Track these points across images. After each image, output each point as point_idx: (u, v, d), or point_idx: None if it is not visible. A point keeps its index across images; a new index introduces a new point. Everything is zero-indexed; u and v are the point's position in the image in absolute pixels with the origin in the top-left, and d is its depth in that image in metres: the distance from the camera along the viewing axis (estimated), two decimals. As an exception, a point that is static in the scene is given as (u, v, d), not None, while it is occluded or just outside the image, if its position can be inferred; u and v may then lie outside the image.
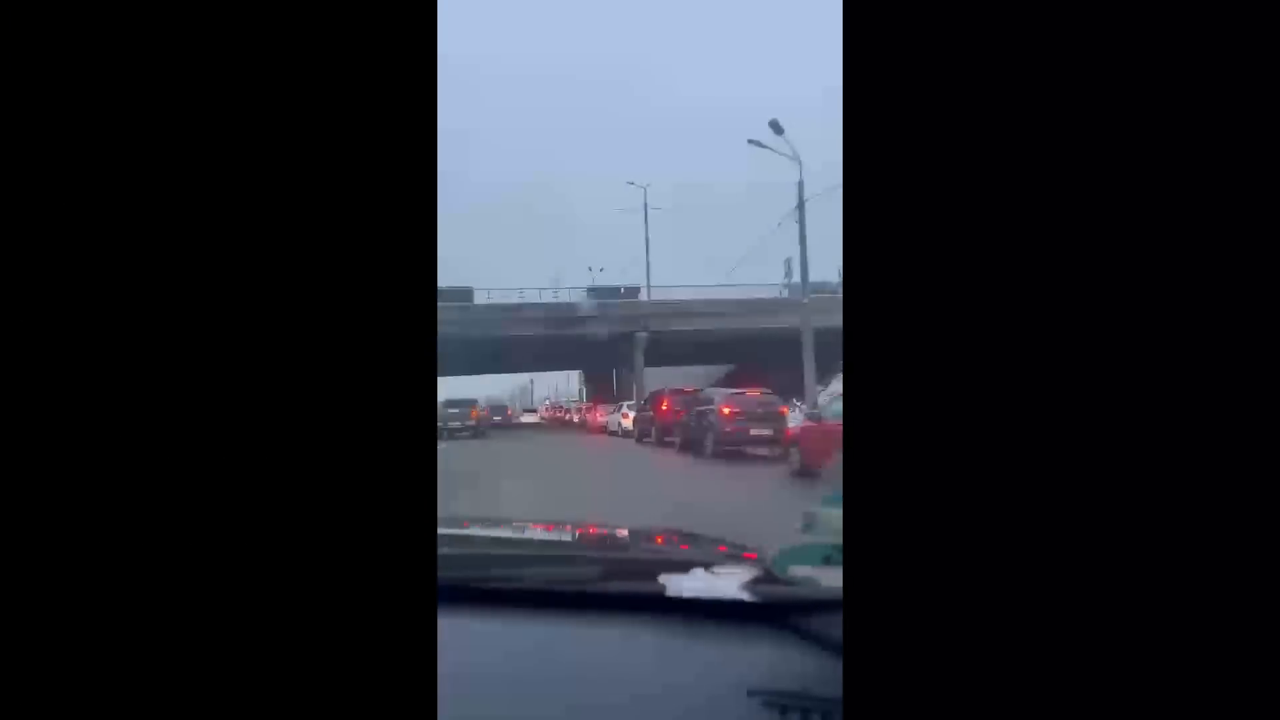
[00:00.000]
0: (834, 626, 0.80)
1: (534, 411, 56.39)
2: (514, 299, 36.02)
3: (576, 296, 35.96)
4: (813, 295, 21.63)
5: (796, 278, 22.51)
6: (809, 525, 1.02)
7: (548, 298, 36.63)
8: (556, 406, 55.25)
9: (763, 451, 14.32)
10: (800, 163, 20.29)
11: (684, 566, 1.04)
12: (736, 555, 1.28)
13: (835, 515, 0.94)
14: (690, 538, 1.56)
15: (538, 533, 1.81)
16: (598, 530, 1.78)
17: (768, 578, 0.97)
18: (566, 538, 1.74)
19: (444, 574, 0.80)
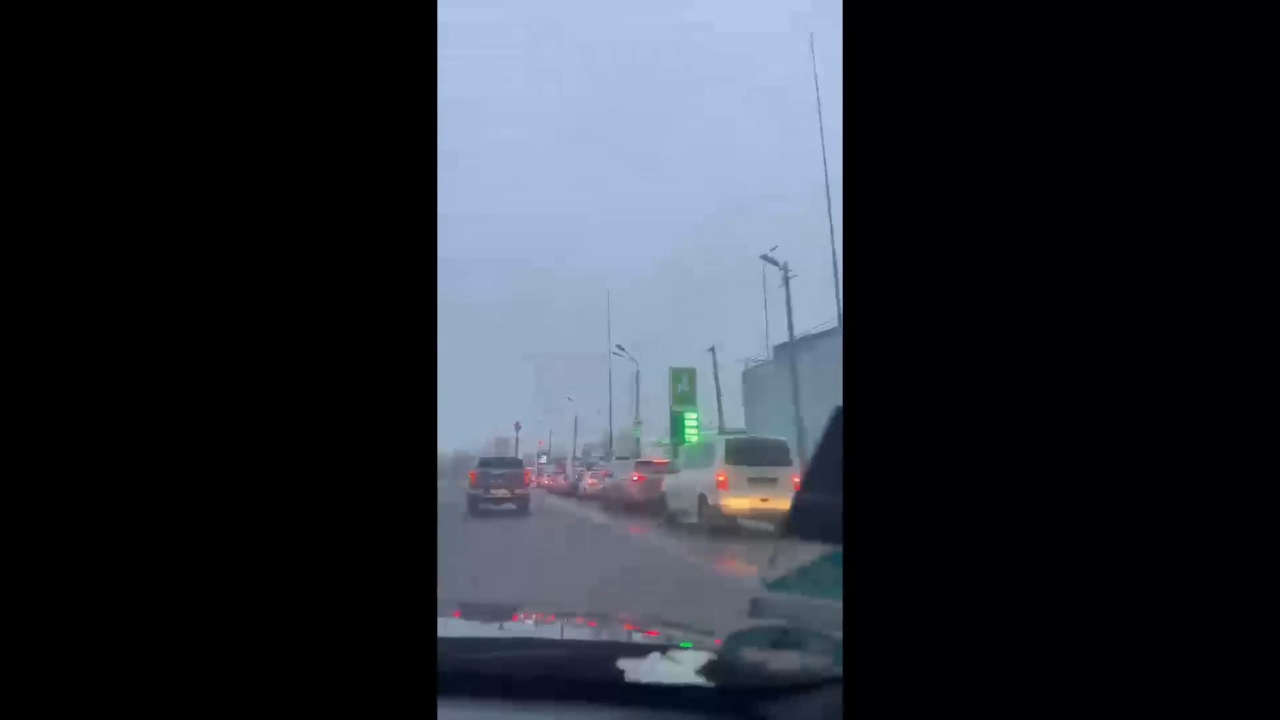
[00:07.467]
0: (784, 709, 0.84)
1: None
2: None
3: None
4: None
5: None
6: (757, 610, 1.04)
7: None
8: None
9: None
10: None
11: (642, 652, 1.06)
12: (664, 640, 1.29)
13: (780, 600, 1.00)
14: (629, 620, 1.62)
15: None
16: (556, 616, 1.76)
17: (720, 662, 0.98)
18: (527, 623, 1.71)
19: None
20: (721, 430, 25.15)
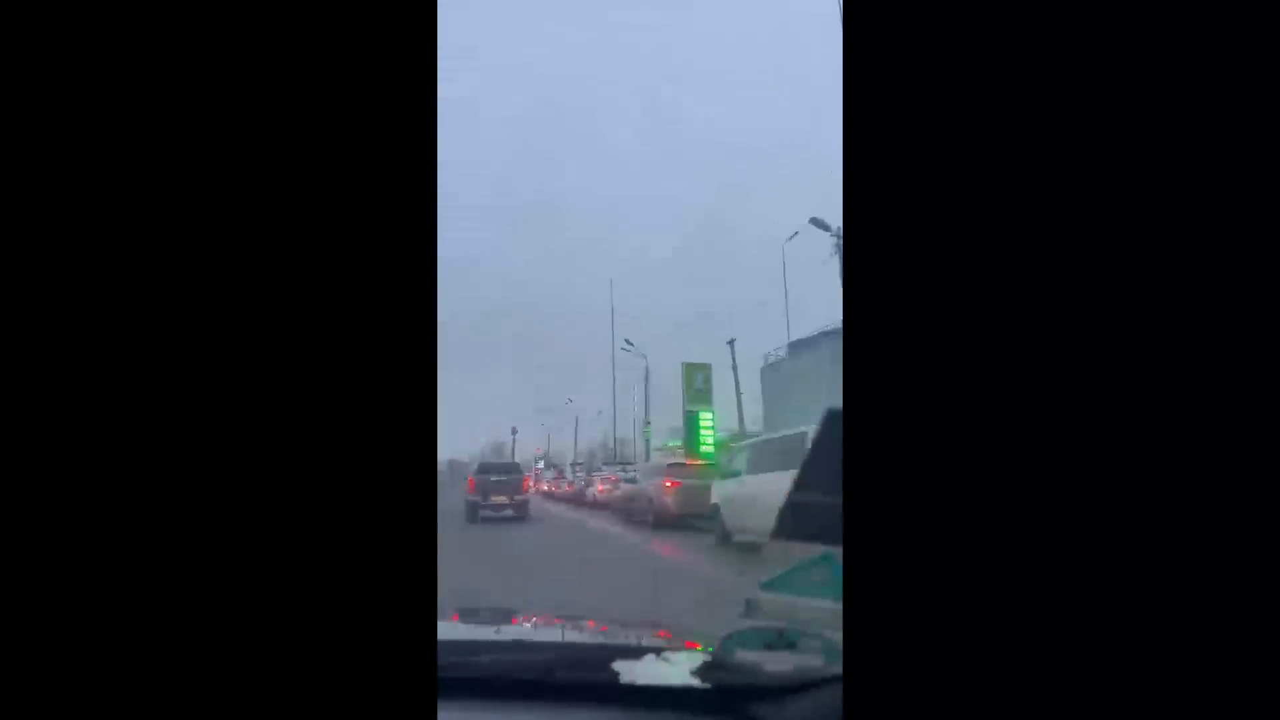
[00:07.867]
0: (780, 709, 0.85)
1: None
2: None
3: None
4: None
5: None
6: (750, 610, 1.02)
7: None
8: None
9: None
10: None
11: (636, 653, 1.06)
12: (679, 644, 1.28)
13: (775, 600, 1.01)
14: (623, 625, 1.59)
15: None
16: (553, 619, 1.76)
17: (716, 664, 0.98)
18: (525, 626, 1.69)
19: None
20: (741, 433, 22.12)
